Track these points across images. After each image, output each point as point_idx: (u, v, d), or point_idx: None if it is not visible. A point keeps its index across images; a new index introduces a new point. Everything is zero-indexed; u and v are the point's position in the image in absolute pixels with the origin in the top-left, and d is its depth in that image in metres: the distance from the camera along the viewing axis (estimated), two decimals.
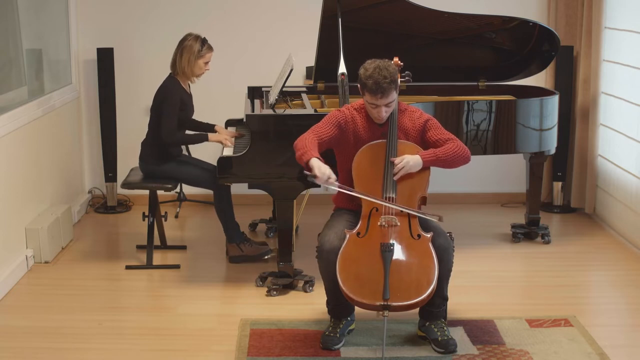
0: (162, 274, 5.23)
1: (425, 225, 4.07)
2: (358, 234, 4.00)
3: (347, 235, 3.99)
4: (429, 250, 3.92)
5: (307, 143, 4.09)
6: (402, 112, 4.23)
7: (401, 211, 4.01)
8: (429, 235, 3.97)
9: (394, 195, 4.03)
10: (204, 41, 5.28)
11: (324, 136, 4.17)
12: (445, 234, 4.07)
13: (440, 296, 4.06)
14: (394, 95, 4.06)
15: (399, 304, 3.80)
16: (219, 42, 6.53)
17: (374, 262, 3.88)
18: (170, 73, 5.33)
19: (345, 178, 4.20)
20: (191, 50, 5.24)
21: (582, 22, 6.25)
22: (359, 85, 4.10)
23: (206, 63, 5.31)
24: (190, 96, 5.38)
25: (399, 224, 3.98)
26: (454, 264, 4.09)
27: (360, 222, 4.04)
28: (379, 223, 3.98)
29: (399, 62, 4.32)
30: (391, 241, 3.92)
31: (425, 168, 4.14)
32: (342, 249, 3.94)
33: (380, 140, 4.15)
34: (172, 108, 5.20)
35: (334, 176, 3.99)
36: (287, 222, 4.83)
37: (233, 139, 5.25)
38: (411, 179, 4.10)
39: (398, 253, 3.91)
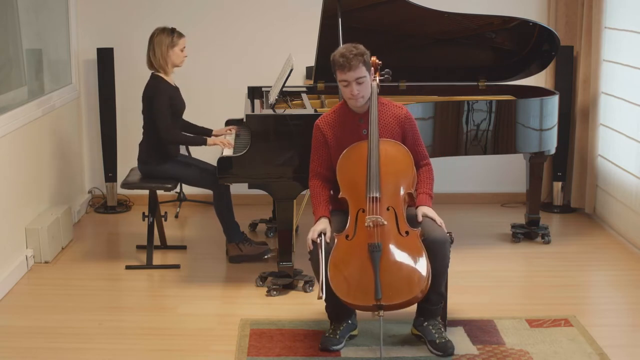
0: (162, 274, 5.23)
1: (413, 221, 4.05)
2: (347, 236, 3.99)
3: (336, 239, 3.99)
4: (418, 245, 3.91)
5: (317, 196, 4.19)
6: (383, 106, 4.21)
7: (387, 209, 4.00)
8: (417, 230, 3.96)
9: (377, 195, 4.01)
10: (172, 30, 5.27)
11: (323, 162, 4.24)
12: (441, 228, 4.05)
13: (436, 292, 4.04)
14: (363, 70, 4.06)
15: (392, 302, 3.80)
16: (219, 42, 6.56)
17: (363, 264, 3.88)
18: (152, 72, 5.32)
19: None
20: (162, 43, 5.24)
21: (582, 22, 6.25)
22: (333, 70, 4.13)
23: (182, 50, 5.30)
24: (176, 89, 5.37)
25: (385, 222, 3.96)
26: (453, 263, 4.09)
27: (348, 224, 4.03)
28: (365, 224, 3.97)
29: (377, 60, 4.30)
30: (379, 241, 3.92)
31: (409, 165, 4.12)
32: (332, 252, 3.94)
33: (361, 141, 4.14)
34: (162, 105, 5.19)
35: (316, 236, 4.03)
36: (287, 222, 4.84)
37: (232, 140, 5.25)
38: (396, 176, 4.09)
39: (386, 252, 3.90)
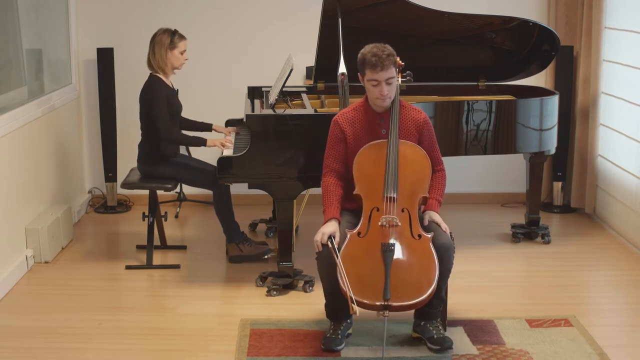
0: (162, 274, 5.23)
1: (426, 225, 4.07)
2: (359, 233, 3.99)
3: (348, 235, 3.98)
4: (430, 250, 3.92)
5: (329, 195, 4.13)
6: (403, 108, 4.23)
7: (402, 210, 4.01)
8: (429, 236, 3.97)
9: (395, 195, 4.02)
10: (174, 32, 5.25)
11: (339, 158, 4.22)
12: (446, 234, 4.07)
13: (437, 297, 4.04)
14: (393, 71, 4.07)
15: (399, 304, 3.80)
16: (219, 42, 6.56)
17: (374, 262, 3.88)
18: (150, 73, 5.31)
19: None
20: (162, 44, 5.21)
21: (582, 22, 6.25)
22: (358, 68, 4.12)
23: (182, 53, 5.28)
24: (173, 91, 5.37)
25: (399, 223, 3.98)
26: (453, 264, 4.09)
27: (361, 221, 4.04)
28: (379, 223, 3.98)
29: (400, 62, 4.32)
30: (392, 241, 3.92)
31: (427, 169, 4.15)
32: (342, 249, 3.94)
33: (381, 140, 4.15)
34: (161, 106, 5.18)
35: (326, 239, 3.97)
36: (287, 222, 4.83)
37: (232, 139, 5.25)
38: (413, 179, 4.10)
39: (399, 253, 3.91)
